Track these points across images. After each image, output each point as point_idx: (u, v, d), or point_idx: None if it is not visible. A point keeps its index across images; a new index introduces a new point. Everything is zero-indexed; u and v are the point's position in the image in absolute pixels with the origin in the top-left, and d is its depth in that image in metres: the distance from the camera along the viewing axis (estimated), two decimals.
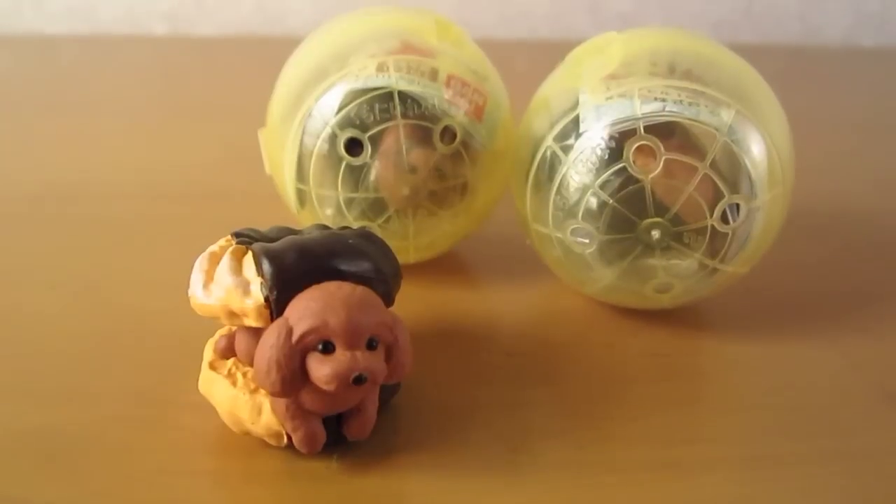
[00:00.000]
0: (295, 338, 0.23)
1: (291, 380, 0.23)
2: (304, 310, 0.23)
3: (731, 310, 0.35)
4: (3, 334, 0.32)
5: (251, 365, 0.26)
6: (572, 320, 0.34)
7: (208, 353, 0.28)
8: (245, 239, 0.27)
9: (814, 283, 0.37)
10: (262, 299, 0.24)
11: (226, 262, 0.25)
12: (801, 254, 0.39)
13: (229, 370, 0.27)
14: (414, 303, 0.34)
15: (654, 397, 0.29)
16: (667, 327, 0.33)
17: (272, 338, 0.23)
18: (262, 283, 0.24)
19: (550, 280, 0.36)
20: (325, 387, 0.23)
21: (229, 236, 0.27)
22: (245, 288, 0.25)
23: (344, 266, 0.25)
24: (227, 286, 0.25)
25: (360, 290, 0.24)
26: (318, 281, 0.24)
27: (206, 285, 0.25)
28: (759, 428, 0.28)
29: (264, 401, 0.25)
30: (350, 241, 0.26)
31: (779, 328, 0.33)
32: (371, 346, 0.24)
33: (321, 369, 0.23)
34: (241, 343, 0.26)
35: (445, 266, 0.38)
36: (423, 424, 0.27)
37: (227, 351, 0.27)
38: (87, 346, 0.31)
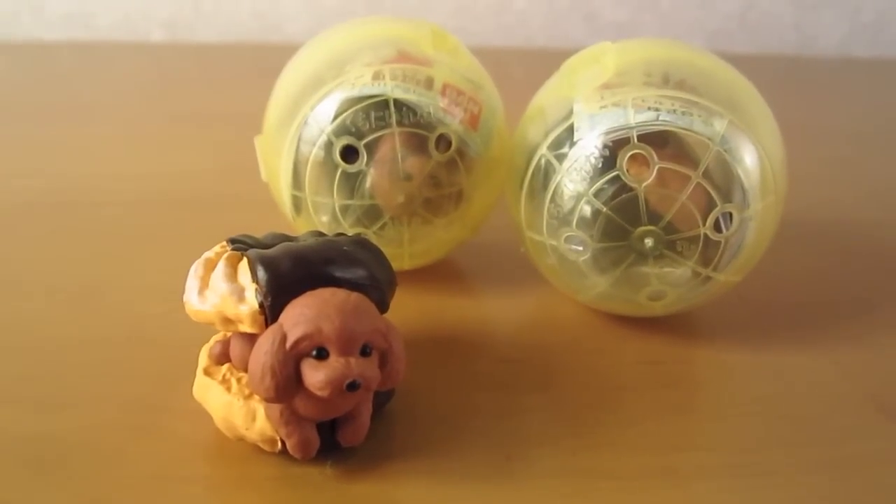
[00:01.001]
0: (289, 344, 0.23)
1: (285, 386, 0.23)
2: (299, 316, 0.23)
3: (724, 318, 0.35)
4: None
5: (246, 371, 0.26)
6: (566, 327, 0.34)
7: (203, 359, 0.28)
8: (240, 245, 0.27)
9: (806, 291, 0.37)
10: (256, 306, 0.24)
11: (221, 268, 0.26)
12: (793, 263, 0.40)
13: (224, 376, 0.27)
14: (409, 309, 0.34)
15: (647, 404, 0.29)
16: (660, 335, 0.33)
17: (266, 344, 0.23)
18: (256, 290, 0.24)
19: (545, 287, 0.36)
20: (318, 393, 0.23)
21: (224, 243, 0.27)
22: (240, 294, 0.25)
23: (338, 273, 0.25)
24: (222, 292, 0.25)
25: (355, 296, 0.24)
26: (313, 287, 0.24)
27: (201, 291, 0.26)
28: (752, 436, 0.28)
29: (258, 406, 0.25)
30: (345, 247, 0.26)
31: (771, 336, 0.34)
32: (365, 352, 0.24)
33: (315, 375, 0.23)
34: (235, 349, 0.27)
35: (440, 273, 0.38)
36: (418, 431, 0.27)
37: (222, 357, 0.27)
38: (81, 352, 0.31)
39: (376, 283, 0.26)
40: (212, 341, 0.28)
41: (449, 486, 0.25)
